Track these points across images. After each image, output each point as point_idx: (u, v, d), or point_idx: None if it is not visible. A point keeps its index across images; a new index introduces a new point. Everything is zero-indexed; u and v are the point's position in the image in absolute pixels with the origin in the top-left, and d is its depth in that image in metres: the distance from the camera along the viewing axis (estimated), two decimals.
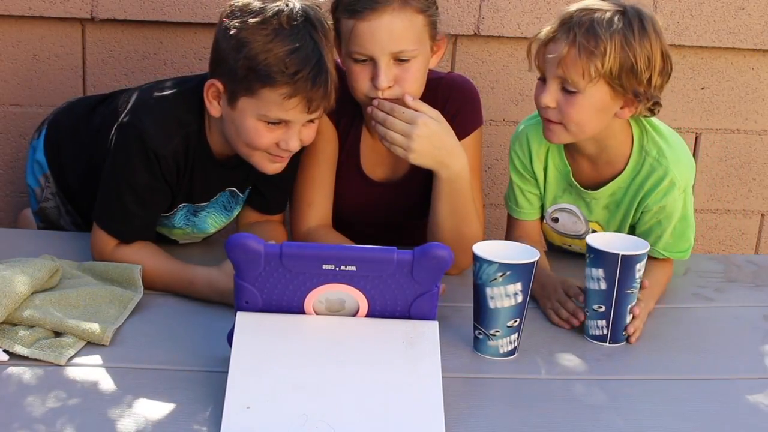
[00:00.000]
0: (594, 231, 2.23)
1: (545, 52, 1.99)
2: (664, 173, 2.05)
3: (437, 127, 2.02)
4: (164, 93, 2.04)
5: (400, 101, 2.01)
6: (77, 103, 2.43)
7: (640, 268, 1.85)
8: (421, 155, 2.01)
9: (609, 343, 1.88)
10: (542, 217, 2.26)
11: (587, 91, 1.95)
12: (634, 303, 1.87)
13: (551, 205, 2.21)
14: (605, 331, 1.88)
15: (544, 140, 2.11)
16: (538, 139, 2.15)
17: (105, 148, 2.07)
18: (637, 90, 1.96)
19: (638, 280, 1.86)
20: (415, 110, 2.00)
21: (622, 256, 1.81)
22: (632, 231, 2.16)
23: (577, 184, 2.14)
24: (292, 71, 1.86)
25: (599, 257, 1.84)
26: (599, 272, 1.84)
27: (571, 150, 2.13)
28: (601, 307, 1.86)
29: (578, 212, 2.19)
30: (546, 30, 2.00)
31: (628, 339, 1.90)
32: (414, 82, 2.03)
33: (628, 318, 1.88)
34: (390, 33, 1.97)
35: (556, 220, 2.22)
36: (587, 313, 1.90)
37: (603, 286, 1.85)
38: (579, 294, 1.93)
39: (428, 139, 2.00)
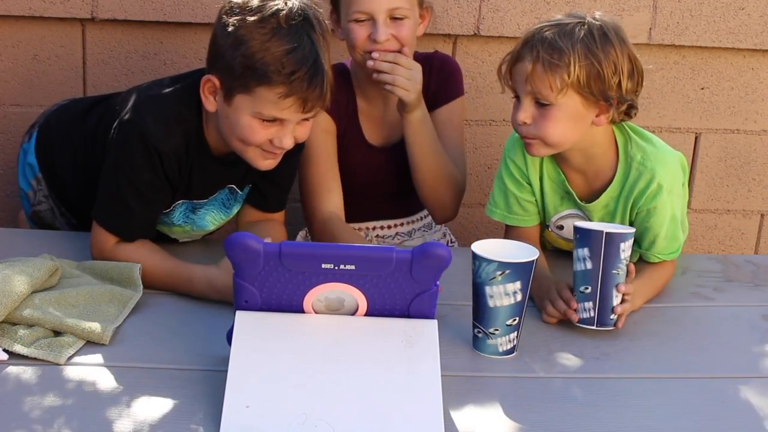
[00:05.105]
0: None
1: (514, 73, 2.06)
2: (651, 176, 2.06)
3: (420, 74, 2.32)
4: (163, 90, 2.05)
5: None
6: (69, 105, 2.42)
7: (625, 248, 1.88)
8: (414, 94, 2.29)
9: (596, 326, 1.90)
10: (546, 226, 2.26)
11: (559, 103, 2.00)
12: (621, 282, 1.90)
13: (554, 214, 2.21)
14: (592, 314, 1.90)
15: None
16: None
17: (100, 149, 2.08)
18: (609, 95, 2.01)
19: (624, 261, 1.89)
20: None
21: (606, 233, 1.86)
22: None
23: (574, 193, 2.15)
24: (289, 71, 1.87)
25: (585, 236, 1.88)
26: (585, 251, 1.88)
27: (560, 162, 2.16)
28: (587, 288, 1.89)
29: (585, 216, 2.20)
30: (512, 51, 2.08)
31: (615, 323, 1.91)
32: (407, 37, 2.28)
33: (616, 300, 1.90)
34: None
35: (561, 227, 2.23)
36: (576, 296, 1.92)
37: (588, 265, 1.88)
38: (570, 299, 1.93)
39: (420, 82, 2.30)
